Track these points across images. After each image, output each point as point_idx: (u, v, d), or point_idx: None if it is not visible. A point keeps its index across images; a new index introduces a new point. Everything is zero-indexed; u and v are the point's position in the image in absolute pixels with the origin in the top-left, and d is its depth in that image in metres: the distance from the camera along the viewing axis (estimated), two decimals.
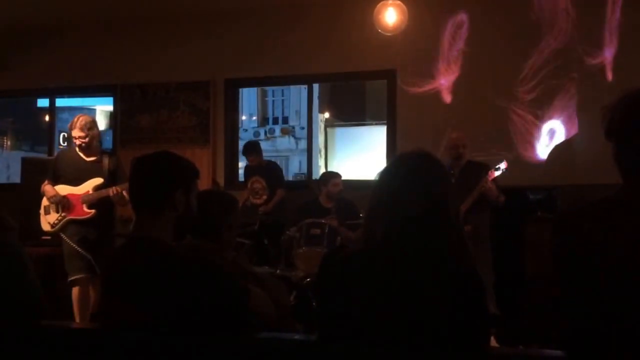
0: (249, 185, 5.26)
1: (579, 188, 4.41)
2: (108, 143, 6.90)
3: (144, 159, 1.70)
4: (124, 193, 3.81)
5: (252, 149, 5.34)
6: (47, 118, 6.91)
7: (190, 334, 1.45)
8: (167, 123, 5.87)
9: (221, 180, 5.73)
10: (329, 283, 1.44)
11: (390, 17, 4.78)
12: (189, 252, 2.01)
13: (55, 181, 3.98)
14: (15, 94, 6.79)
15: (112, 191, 3.85)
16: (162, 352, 1.46)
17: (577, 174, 4.75)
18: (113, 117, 6.62)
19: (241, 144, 6.20)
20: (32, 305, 1.75)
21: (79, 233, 3.90)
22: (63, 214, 3.93)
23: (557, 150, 4.93)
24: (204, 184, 5.01)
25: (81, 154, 3.99)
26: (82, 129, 3.90)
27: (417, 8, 4.90)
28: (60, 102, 7.14)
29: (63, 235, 3.94)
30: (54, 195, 3.90)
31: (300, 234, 4.36)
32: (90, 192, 3.93)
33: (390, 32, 4.82)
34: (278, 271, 4.19)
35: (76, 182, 3.95)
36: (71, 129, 3.96)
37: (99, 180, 3.95)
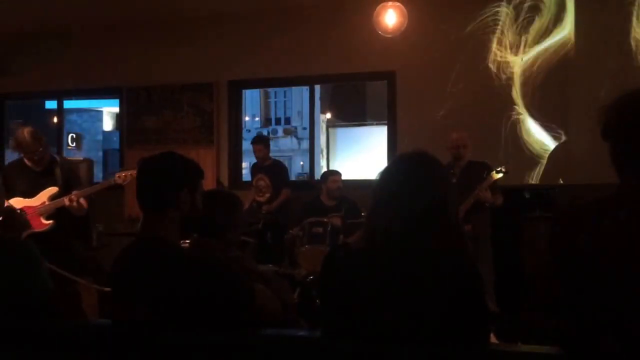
0: (254, 183, 5.32)
1: (577, 188, 4.43)
2: (115, 144, 6.95)
3: (150, 160, 1.73)
4: (82, 201, 3.64)
5: (262, 139, 5.42)
6: (55, 119, 6.94)
7: (196, 331, 1.47)
8: (172, 124, 5.91)
9: (225, 180, 5.77)
10: (332, 280, 1.47)
11: (390, 18, 4.81)
12: (194, 251, 2.06)
13: (6, 196, 3.66)
14: (24, 96, 6.85)
15: (67, 200, 3.65)
16: (167, 349, 1.48)
17: (575, 174, 4.78)
18: (119, 118, 6.66)
19: (245, 145, 6.25)
20: (42, 303, 1.79)
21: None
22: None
23: (556, 150, 4.95)
24: (208, 184, 5.07)
25: (30, 165, 3.75)
26: (34, 142, 3.66)
27: (417, 10, 4.94)
28: (68, 104, 7.17)
29: None
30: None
31: (302, 233, 4.40)
32: (47, 202, 3.71)
33: (390, 34, 4.86)
34: (281, 269, 4.23)
35: (30, 194, 3.72)
36: (22, 143, 3.68)
37: (53, 190, 3.74)
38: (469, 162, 4.24)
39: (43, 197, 3.74)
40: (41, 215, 3.71)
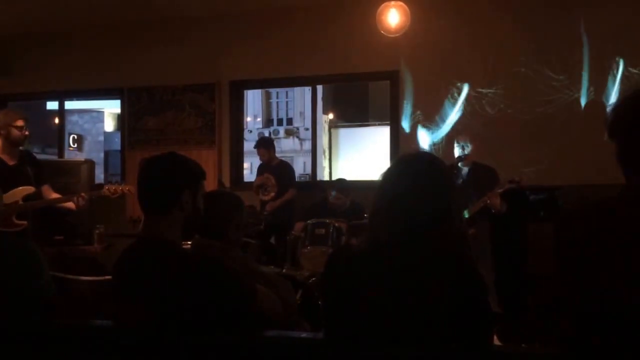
0: (259, 181, 5.31)
1: (581, 188, 4.42)
2: (116, 145, 6.96)
3: (152, 161, 1.72)
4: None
5: (262, 143, 5.39)
6: (56, 120, 6.95)
7: (198, 333, 1.47)
8: (174, 125, 5.92)
9: (227, 181, 5.77)
10: (335, 282, 1.47)
11: (393, 18, 4.81)
12: (196, 252, 2.05)
13: None
14: (25, 97, 6.87)
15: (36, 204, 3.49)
16: (169, 350, 1.48)
17: (579, 174, 4.76)
18: (121, 119, 6.67)
19: (246, 145, 6.25)
20: (45, 303, 1.79)
21: None
22: None
23: (560, 150, 4.94)
24: (210, 184, 5.05)
25: (3, 158, 3.51)
26: (25, 121, 3.46)
27: (419, 9, 4.93)
28: (69, 104, 7.18)
29: None
30: None
31: (305, 234, 4.38)
32: (20, 202, 3.46)
33: (393, 34, 4.85)
34: (284, 270, 4.21)
35: (2, 189, 3.38)
36: (12, 121, 3.44)
37: (29, 189, 3.51)
38: (475, 163, 4.19)
39: (17, 195, 3.50)
40: (13, 214, 3.45)
